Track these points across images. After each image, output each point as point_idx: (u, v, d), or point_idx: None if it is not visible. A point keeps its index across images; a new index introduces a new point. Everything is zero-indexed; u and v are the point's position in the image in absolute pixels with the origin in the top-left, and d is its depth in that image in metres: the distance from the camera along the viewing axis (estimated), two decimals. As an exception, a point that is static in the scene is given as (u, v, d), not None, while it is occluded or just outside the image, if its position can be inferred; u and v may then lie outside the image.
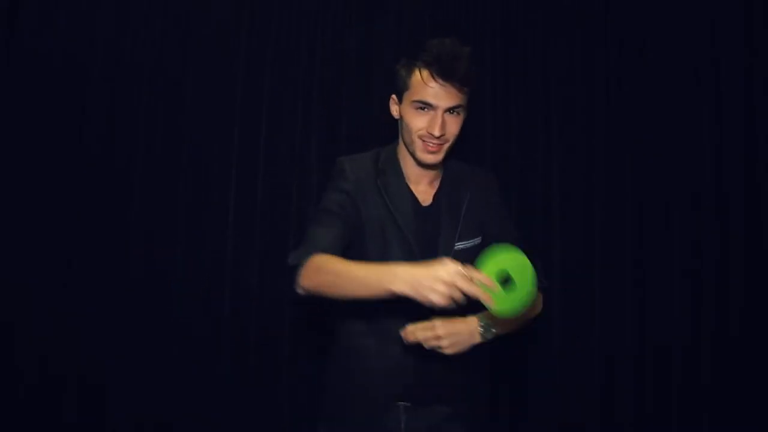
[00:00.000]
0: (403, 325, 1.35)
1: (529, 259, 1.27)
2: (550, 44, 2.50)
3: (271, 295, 2.46)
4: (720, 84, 2.40)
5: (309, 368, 2.44)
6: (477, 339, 1.33)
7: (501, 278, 1.18)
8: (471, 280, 1.12)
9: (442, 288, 1.10)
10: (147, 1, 2.55)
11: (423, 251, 1.45)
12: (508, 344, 2.43)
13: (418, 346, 1.33)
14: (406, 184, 1.52)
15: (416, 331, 1.30)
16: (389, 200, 1.47)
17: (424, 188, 1.54)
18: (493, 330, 1.35)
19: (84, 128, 2.52)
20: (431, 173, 1.54)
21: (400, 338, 1.37)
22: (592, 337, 2.42)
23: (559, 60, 2.50)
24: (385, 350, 1.47)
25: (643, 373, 2.40)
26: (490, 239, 1.52)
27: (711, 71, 2.41)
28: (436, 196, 1.53)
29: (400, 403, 1.48)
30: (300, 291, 1.36)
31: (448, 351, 1.31)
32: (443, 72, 1.36)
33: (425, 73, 1.39)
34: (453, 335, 1.30)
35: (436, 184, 1.55)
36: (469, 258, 1.43)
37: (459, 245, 1.49)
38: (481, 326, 1.33)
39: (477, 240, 1.53)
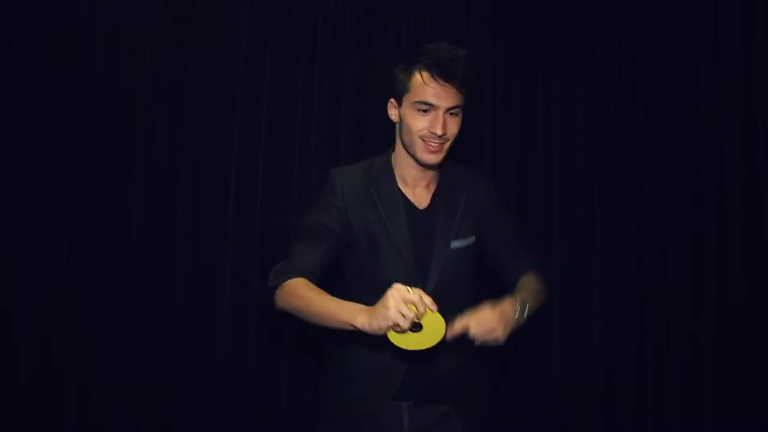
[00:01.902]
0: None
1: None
2: (549, 44, 2.50)
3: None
4: (720, 84, 2.40)
5: (309, 368, 2.44)
6: (516, 322, 1.34)
7: (412, 325, 1.26)
8: (415, 299, 1.22)
9: (391, 313, 1.21)
10: (147, 0, 2.56)
11: (418, 254, 1.49)
12: (509, 345, 2.45)
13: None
14: (400, 190, 1.55)
15: (470, 326, 1.27)
16: (382, 206, 1.50)
17: (420, 191, 1.56)
18: (525, 313, 1.36)
19: (84, 128, 2.52)
20: (429, 176, 1.56)
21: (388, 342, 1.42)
22: (592, 337, 2.42)
23: (559, 60, 2.50)
24: (375, 355, 1.48)
25: (644, 374, 2.40)
26: (486, 238, 1.57)
27: (711, 71, 2.41)
28: (434, 199, 1.56)
29: (402, 402, 1.50)
30: (277, 308, 1.46)
31: (502, 340, 1.30)
32: (443, 73, 1.40)
33: (426, 74, 1.42)
34: (504, 321, 1.29)
35: (433, 187, 1.57)
36: (464, 256, 1.53)
37: (456, 243, 1.52)
38: (518, 307, 1.34)
39: (472, 239, 1.55)
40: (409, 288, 1.24)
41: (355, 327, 1.28)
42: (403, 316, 1.21)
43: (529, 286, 1.48)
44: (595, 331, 2.43)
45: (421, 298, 1.23)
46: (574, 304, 2.43)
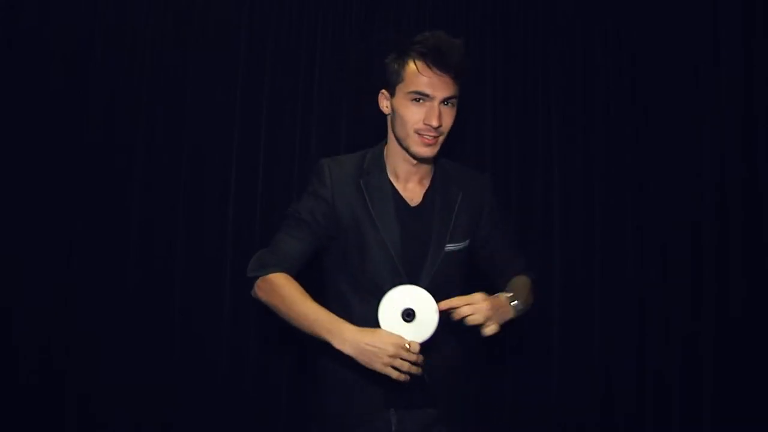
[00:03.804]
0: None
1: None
2: (549, 44, 2.50)
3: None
4: (720, 84, 2.40)
5: (309, 369, 2.44)
6: (511, 314, 1.33)
7: (404, 314, 1.24)
8: (410, 348, 1.22)
9: (387, 361, 1.22)
10: (147, 0, 2.56)
11: (408, 252, 1.43)
12: (509, 345, 2.45)
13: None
14: (391, 184, 1.48)
15: (461, 308, 1.25)
16: (371, 201, 1.44)
17: (413, 186, 1.50)
18: (520, 306, 1.35)
19: (84, 128, 2.52)
20: (422, 170, 1.50)
21: None
22: (592, 337, 2.42)
23: (559, 60, 2.50)
24: (356, 369, 1.45)
25: (644, 374, 2.40)
26: (481, 240, 1.52)
27: (711, 71, 2.40)
28: (426, 195, 1.49)
29: (390, 408, 1.48)
30: (254, 297, 1.46)
31: (489, 330, 1.26)
32: (438, 61, 1.34)
33: (420, 63, 1.36)
34: (498, 313, 1.27)
35: (427, 183, 1.51)
36: (457, 259, 1.48)
37: (450, 247, 1.45)
38: (513, 302, 1.33)
39: (465, 243, 1.49)
40: (408, 343, 1.23)
41: (334, 347, 1.27)
42: (395, 370, 1.22)
43: (521, 286, 1.44)
44: (595, 331, 2.42)
45: (416, 355, 1.24)
46: (574, 304, 2.43)
